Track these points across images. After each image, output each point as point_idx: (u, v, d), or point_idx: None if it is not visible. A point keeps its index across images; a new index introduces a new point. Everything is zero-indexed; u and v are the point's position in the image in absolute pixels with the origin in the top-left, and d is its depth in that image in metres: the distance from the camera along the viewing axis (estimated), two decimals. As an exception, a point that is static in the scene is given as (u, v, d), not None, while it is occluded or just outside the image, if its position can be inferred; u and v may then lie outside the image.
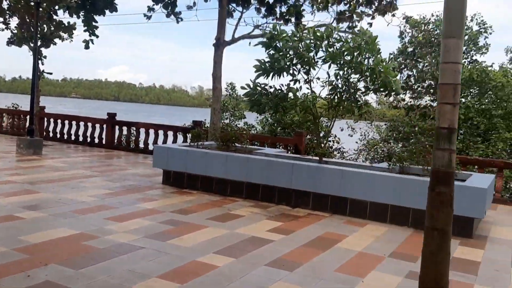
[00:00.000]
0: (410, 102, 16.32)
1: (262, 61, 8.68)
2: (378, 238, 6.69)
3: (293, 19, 15.10)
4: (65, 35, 15.96)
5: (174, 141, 14.20)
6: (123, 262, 4.93)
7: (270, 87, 8.92)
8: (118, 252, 5.22)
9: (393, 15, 13.97)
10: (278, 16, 15.51)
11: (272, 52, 8.70)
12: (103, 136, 15.39)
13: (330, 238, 6.48)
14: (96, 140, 15.50)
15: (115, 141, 15.36)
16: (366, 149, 17.16)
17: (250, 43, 12.00)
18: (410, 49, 16.95)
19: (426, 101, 17.10)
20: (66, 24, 15.65)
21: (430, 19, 17.12)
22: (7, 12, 17.73)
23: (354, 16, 14.34)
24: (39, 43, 14.18)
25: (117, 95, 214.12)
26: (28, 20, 16.24)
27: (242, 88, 8.88)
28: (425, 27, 16.83)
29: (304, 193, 8.27)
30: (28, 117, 17.07)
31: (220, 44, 12.53)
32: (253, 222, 7.05)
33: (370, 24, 14.19)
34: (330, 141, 16.37)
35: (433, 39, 16.21)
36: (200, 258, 5.23)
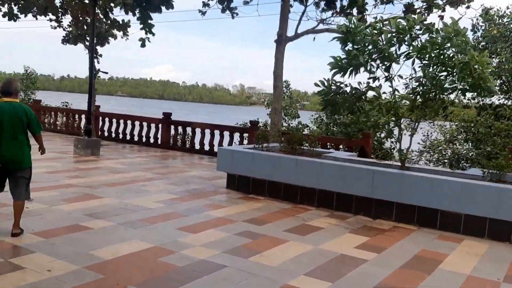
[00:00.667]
0: (482, 100, 15.07)
1: (338, 58, 7.93)
2: (482, 258, 5.84)
3: (355, 13, 14.24)
4: (120, 33, 15.74)
5: (230, 142, 13.67)
6: (208, 285, 4.35)
7: (346, 85, 8.17)
8: (199, 271, 4.65)
9: (468, 7, 12.87)
10: (338, 10, 14.72)
11: (348, 47, 7.93)
12: (159, 135, 15.06)
13: (428, 258, 5.69)
14: (152, 140, 15.19)
15: (171, 141, 15.00)
16: (430, 150, 16.13)
17: (314, 38, 11.27)
18: (483, 43, 15.67)
19: (499, 100, 15.76)
20: (121, 22, 15.42)
21: (505, 11, 15.79)
22: (60, 10, 17.76)
23: (423, 9, 13.35)
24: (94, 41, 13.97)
25: (161, 94, 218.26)
26: (81, 18, 16.15)
27: (316, 85, 8.15)
28: (500, 20, 15.54)
29: (386, 203, 7.48)
30: (83, 116, 17.06)
31: (282, 40, 11.88)
32: (336, 236, 6.34)
33: (441, 17, 13.14)
34: (392, 142, 15.42)
35: (508, 32, 14.90)
36: (291, 281, 4.58)
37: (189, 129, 15.01)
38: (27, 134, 5.31)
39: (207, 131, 14.29)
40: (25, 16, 19.50)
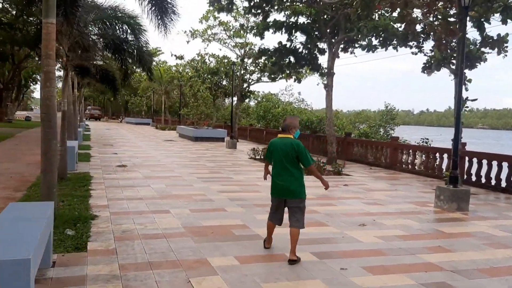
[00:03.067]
0: None
1: None
2: None
3: None
4: (492, 51, 12.26)
5: None
6: None
7: None
8: None
9: None
10: None
11: None
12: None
13: None
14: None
15: None
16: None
17: None
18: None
19: None
20: (495, 37, 11.97)
21: None
22: (421, 35, 15.76)
23: None
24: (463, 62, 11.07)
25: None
26: (444, 40, 13.55)
27: None
28: None
29: None
30: (445, 155, 14.28)
31: None
32: None
33: None
34: None
35: None
36: None
37: None
38: (298, 166, 5.63)
39: None
40: (386, 50, 18.70)
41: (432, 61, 12.49)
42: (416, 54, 15.81)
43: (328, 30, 19.10)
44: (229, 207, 8.73)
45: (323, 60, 19.79)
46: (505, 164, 12.05)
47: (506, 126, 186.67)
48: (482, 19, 10.19)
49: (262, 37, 22.45)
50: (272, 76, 23.57)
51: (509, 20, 10.04)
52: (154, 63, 61.09)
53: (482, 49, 11.76)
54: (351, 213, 8.66)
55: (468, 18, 10.19)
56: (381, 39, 17.73)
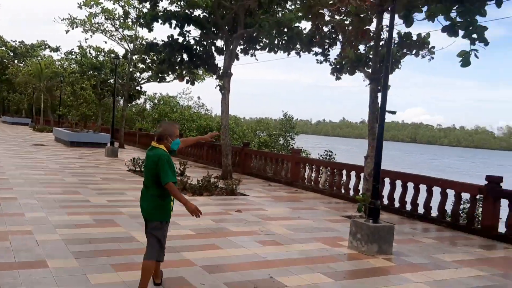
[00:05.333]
0: None
1: None
2: None
3: None
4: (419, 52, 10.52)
5: None
6: None
7: None
8: None
9: None
10: None
11: None
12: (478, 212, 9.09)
13: None
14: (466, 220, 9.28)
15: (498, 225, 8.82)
16: None
17: None
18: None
19: None
20: (415, 37, 10.26)
21: None
22: (326, 40, 13.94)
23: None
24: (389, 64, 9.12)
25: (413, 137, 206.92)
26: (356, 40, 11.67)
27: None
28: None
29: None
30: (353, 173, 12.39)
31: None
32: None
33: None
34: None
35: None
36: None
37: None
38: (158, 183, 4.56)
39: None
40: (288, 54, 16.68)
41: (344, 62, 10.44)
42: (321, 63, 13.91)
43: (226, 25, 16.61)
44: (59, 259, 5.64)
45: (221, 61, 17.18)
46: (423, 187, 10.35)
47: (393, 138, 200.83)
48: (410, 9, 8.25)
49: (150, 29, 19.37)
50: (160, 75, 20.42)
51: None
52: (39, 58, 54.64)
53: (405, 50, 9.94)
54: (241, 264, 6.05)
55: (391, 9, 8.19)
56: (285, 39, 15.69)
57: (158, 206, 4.61)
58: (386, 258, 6.83)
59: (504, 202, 8.82)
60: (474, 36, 7.91)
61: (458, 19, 8.22)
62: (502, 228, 8.91)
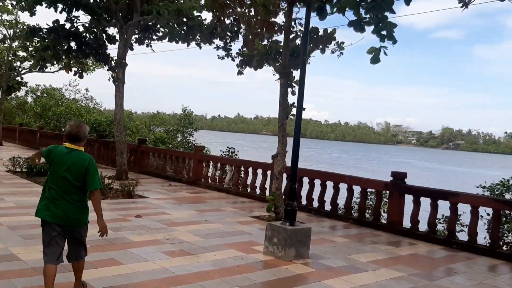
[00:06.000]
0: None
1: None
2: None
3: None
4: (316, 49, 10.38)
5: None
6: None
7: None
8: None
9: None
10: None
11: None
12: (384, 209, 9.16)
13: None
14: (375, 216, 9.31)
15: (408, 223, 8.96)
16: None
17: None
18: None
19: None
20: (322, 33, 10.10)
21: None
22: (228, 34, 13.44)
23: None
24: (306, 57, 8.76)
25: (304, 132, 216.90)
26: (262, 32, 11.28)
27: None
28: None
29: None
30: (260, 171, 12.00)
31: None
32: None
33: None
34: None
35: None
36: None
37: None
38: (84, 189, 4.49)
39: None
40: (188, 45, 15.82)
41: (253, 54, 9.92)
42: (222, 58, 13.26)
43: (120, 12, 15.24)
44: None
45: (114, 50, 15.78)
46: (329, 184, 10.25)
47: (290, 134, 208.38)
48: (324, 1, 7.97)
49: (32, 13, 17.21)
50: (41, 62, 18.27)
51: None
52: None
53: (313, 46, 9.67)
54: (148, 283, 5.21)
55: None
56: (184, 29, 14.82)
57: (82, 210, 4.53)
58: (304, 263, 6.44)
59: (408, 198, 8.99)
60: (384, 33, 7.87)
61: (364, 14, 8.16)
62: (406, 223, 9.09)
